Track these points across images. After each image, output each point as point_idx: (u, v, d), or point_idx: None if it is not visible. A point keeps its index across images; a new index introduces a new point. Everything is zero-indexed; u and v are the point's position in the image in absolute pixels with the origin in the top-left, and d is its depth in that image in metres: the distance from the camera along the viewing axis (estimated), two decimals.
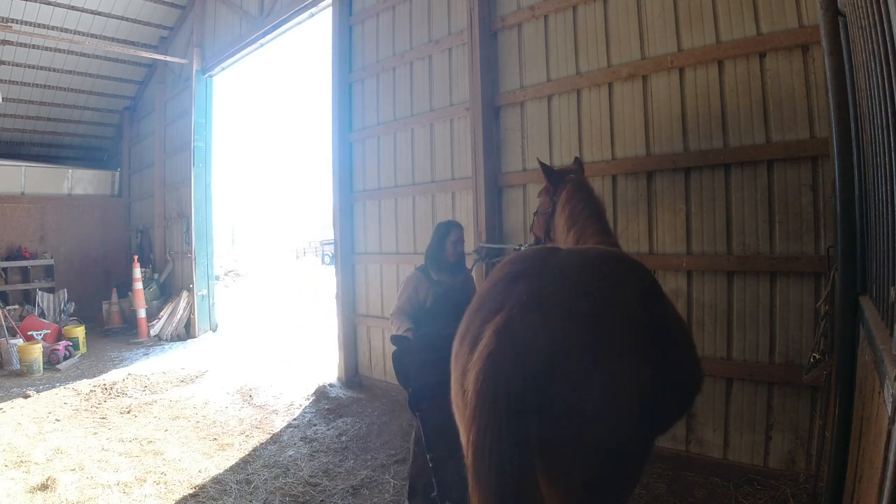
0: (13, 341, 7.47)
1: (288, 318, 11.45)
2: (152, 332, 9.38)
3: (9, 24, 8.24)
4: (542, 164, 3.13)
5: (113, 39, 9.70)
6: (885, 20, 1.28)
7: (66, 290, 10.50)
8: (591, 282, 1.62)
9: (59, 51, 9.68)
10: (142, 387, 6.35)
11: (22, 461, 4.16)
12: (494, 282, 1.73)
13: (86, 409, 5.56)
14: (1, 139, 11.18)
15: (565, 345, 1.44)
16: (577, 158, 3.28)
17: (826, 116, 2.93)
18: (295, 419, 5.11)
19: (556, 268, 1.65)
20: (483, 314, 1.59)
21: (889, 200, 1.43)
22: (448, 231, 3.33)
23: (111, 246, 12.13)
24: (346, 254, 6.17)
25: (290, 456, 4.24)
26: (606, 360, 1.45)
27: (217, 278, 11.34)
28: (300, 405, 5.48)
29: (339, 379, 6.14)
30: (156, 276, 10.57)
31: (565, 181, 2.95)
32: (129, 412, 5.44)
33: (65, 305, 10.23)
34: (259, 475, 3.90)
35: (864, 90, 1.76)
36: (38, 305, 9.86)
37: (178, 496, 3.61)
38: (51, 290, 10.54)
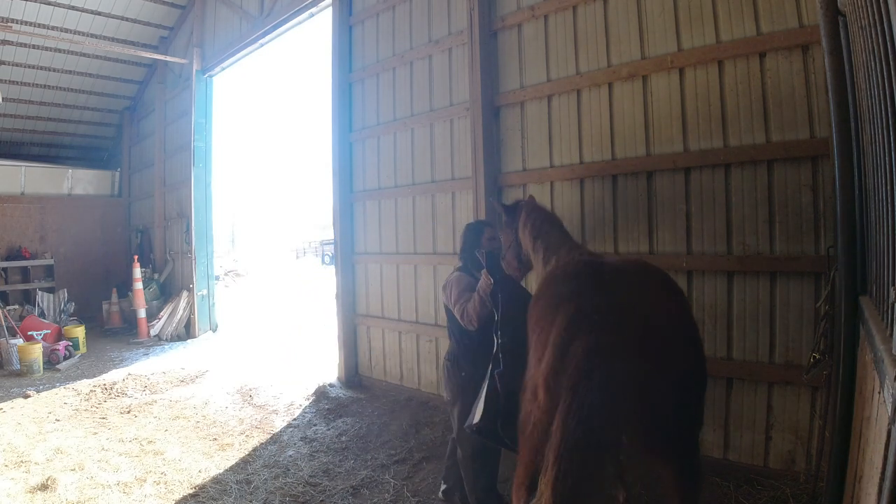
0: (13, 341, 7.47)
1: (288, 318, 11.45)
2: (152, 332, 9.38)
3: (9, 24, 8.24)
4: (493, 201, 3.43)
5: (113, 39, 9.71)
6: (885, 20, 1.29)
7: (66, 290, 10.50)
8: (646, 292, 2.09)
9: (59, 51, 9.68)
10: (142, 387, 6.35)
11: (22, 461, 4.16)
12: (559, 301, 2.07)
13: (86, 409, 5.56)
14: (1, 139, 11.18)
15: (653, 340, 1.89)
16: (530, 196, 3.47)
17: (826, 116, 2.93)
18: (295, 419, 5.11)
19: (618, 282, 2.08)
20: (563, 329, 1.91)
21: (889, 200, 1.43)
22: (482, 229, 3.33)
23: (111, 246, 12.13)
24: (346, 254, 6.17)
25: (290, 456, 4.24)
26: (673, 356, 1.95)
27: (217, 278, 11.35)
28: (300, 405, 5.49)
29: (339, 379, 6.14)
30: (156, 276, 10.58)
31: (519, 207, 3.20)
32: (129, 412, 5.44)
33: (65, 305, 10.23)
34: (259, 475, 3.90)
35: (864, 90, 1.76)
36: (38, 305, 9.86)
37: (178, 496, 3.61)
38: (51, 290, 10.54)
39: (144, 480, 3.81)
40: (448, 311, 3.19)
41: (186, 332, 9.46)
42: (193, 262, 9.45)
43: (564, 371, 1.78)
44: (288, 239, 43.72)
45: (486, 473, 3.14)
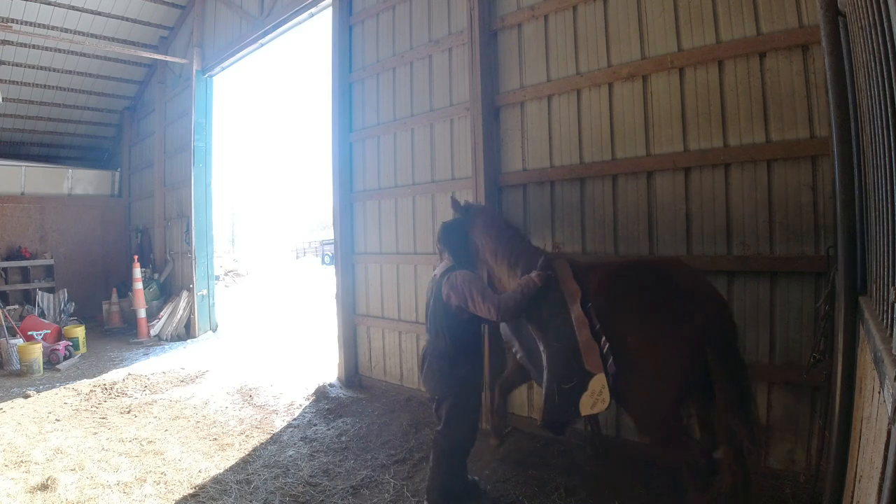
0: (13, 341, 7.47)
1: (288, 318, 11.45)
2: (152, 332, 9.38)
3: (9, 24, 8.24)
4: (453, 199, 3.65)
5: (113, 39, 9.71)
6: (885, 20, 1.29)
7: (66, 290, 10.50)
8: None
9: (60, 51, 9.68)
10: (142, 387, 6.35)
11: (22, 461, 4.16)
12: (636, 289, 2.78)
13: (86, 409, 5.56)
14: (1, 139, 11.18)
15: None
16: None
17: (826, 116, 2.93)
18: (295, 419, 5.11)
19: (680, 277, 2.77)
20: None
21: (889, 200, 1.43)
22: (463, 227, 3.41)
23: (111, 246, 12.13)
24: (346, 254, 6.17)
25: (290, 456, 4.24)
26: None
27: (217, 278, 11.35)
28: (300, 405, 5.49)
29: (339, 379, 6.14)
30: (156, 276, 10.58)
31: (473, 210, 3.50)
32: (129, 412, 5.44)
33: (65, 305, 10.23)
34: (259, 475, 3.90)
35: (864, 90, 1.76)
36: (38, 305, 9.86)
37: (178, 496, 3.61)
38: (51, 290, 10.54)
39: (144, 480, 3.81)
40: (444, 310, 3.14)
41: (186, 332, 9.46)
42: (193, 262, 9.45)
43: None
44: (288, 239, 43.77)
45: (460, 469, 3.27)
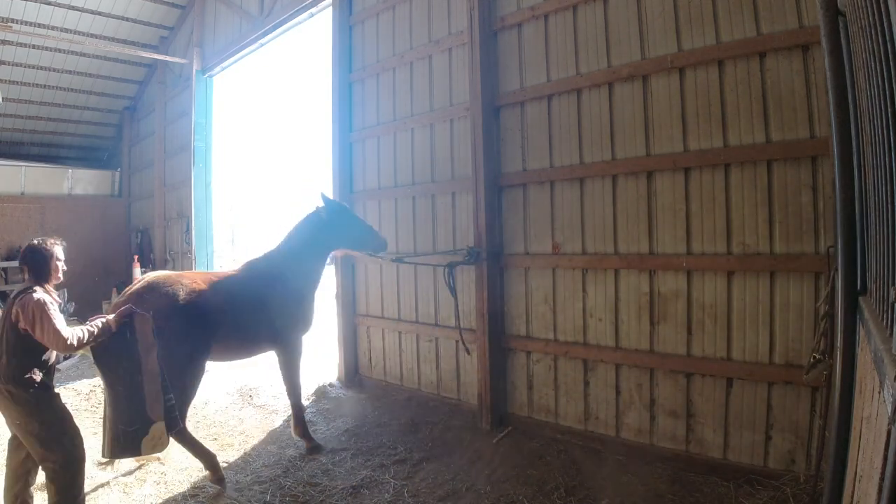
0: None
1: None
2: None
3: (9, 24, 8.24)
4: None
5: (113, 39, 9.71)
6: (885, 20, 1.29)
7: (66, 290, 10.48)
8: None
9: (60, 51, 9.68)
10: None
11: None
12: None
13: (86, 409, 5.56)
14: (1, 139, 11.18)
15: None
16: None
17: (826, 116, 2.93)
18: None
19: None
20: None
21: (889, 200, 1.43)
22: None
23: (111, 246, 12.12)
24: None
25: (290, 456, 4.24)
26: None
27: None
28: None
29: (339, 379, 6.14)
30: None
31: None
32: None
33: (65, 305, 10.22)
34: (259, 475, 3.90)
35: (864, 90, 1.76)
36: None
37: (178, 496, 3.61)
38: None
39: (144, 480, 3.81)
40: (14, 332, 2.85)
41: None
42: (193, 262, 9.45)
43: None
44: None
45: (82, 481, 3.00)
